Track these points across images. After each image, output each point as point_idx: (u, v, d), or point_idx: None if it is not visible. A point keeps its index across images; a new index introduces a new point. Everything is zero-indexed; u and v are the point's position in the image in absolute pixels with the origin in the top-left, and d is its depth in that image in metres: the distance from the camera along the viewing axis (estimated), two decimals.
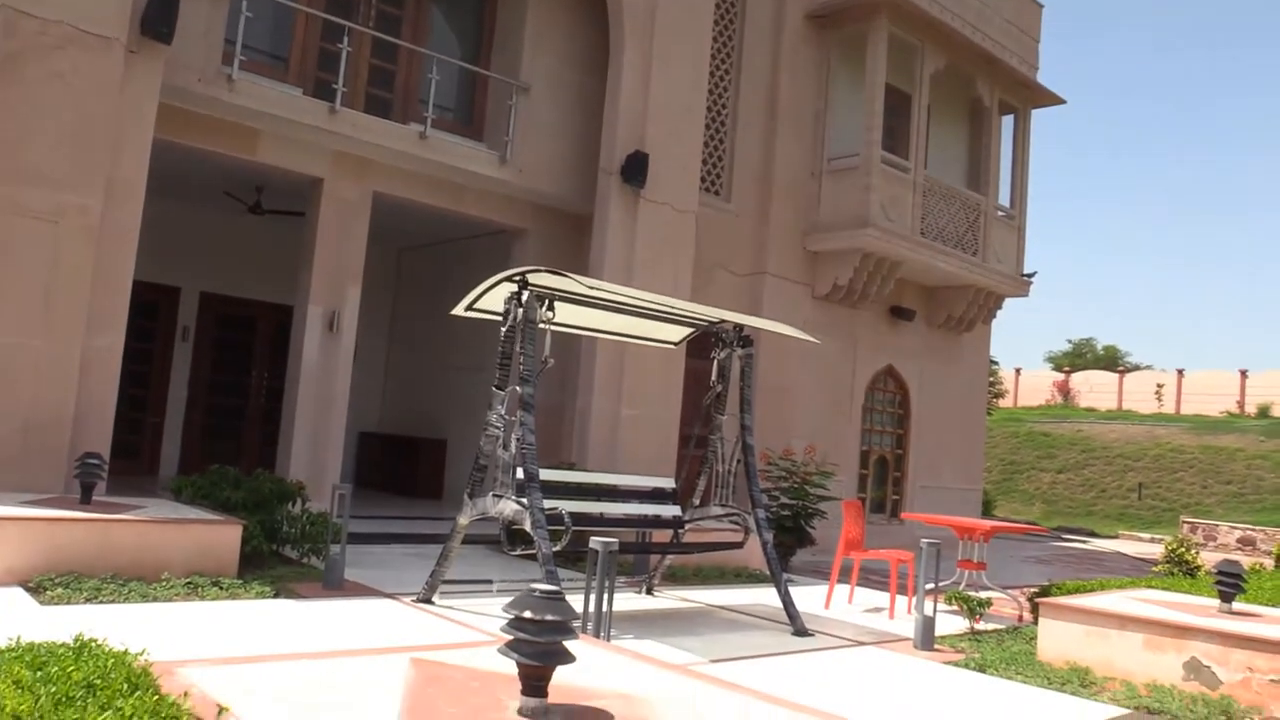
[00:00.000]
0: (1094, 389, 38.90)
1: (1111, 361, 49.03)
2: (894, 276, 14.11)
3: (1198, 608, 6.42)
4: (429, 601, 6.60)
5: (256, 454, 13.37)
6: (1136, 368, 45.28)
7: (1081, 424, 32.22)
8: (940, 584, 7.08)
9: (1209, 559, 10.13)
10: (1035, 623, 6.77)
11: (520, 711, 2.87)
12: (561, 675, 2.97)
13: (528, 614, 2.82)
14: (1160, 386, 37.06)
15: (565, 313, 6.88)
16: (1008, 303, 16.45)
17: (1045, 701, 5.32)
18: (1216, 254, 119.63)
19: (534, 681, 2.87)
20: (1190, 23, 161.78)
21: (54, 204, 7.57)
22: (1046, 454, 30.45)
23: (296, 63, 10.55)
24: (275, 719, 2.77)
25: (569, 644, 2.89)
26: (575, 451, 11.11)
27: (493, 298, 6.86)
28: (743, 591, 8.50)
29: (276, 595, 6.27)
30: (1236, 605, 6.45)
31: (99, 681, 2.90)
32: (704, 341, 8.49)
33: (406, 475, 13.95)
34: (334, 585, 6.77)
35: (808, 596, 8.18)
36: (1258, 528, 21.26)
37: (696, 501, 7.82)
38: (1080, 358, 50.97)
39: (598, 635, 5.32)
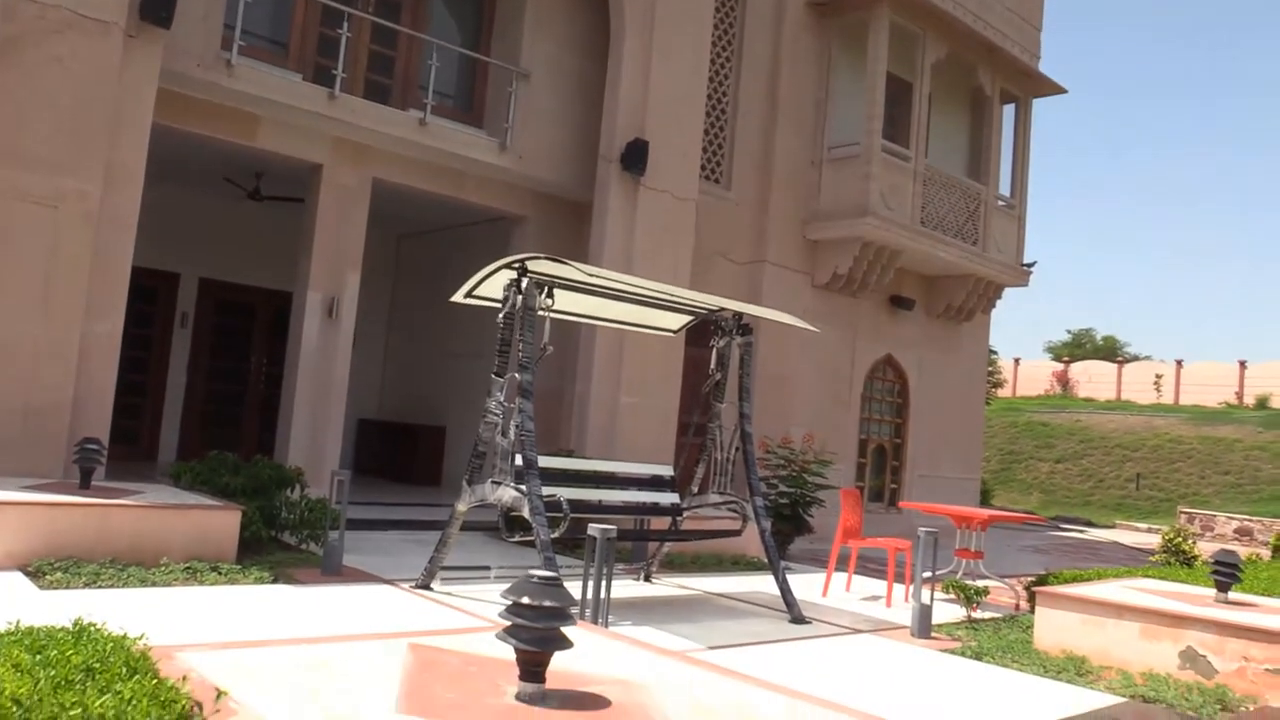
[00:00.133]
0: (1093, 379, 38.95)
1: (1111, 352, 49.09)
2: (894, 265, 14.09)
3: (1194, 597, 6.44)
4: (427, 587, 6.62)
5: (255, 440, 13.39)
6: (1135, 358, 45.33)
7: (1080, 414, 32.23)
8: (937, 572, 7.09)
9: (1206, 549, 10.17)
10: (1032, 611, 6.78)
11: (518, 696, 2.88)
12: (559, 661, 2.98)
13: (526, 600, 2.83)
14: (1159, 377, 37.11)
15: (564, 300, 6.88)
16: (1007, 292, 16.47)
17: (1041, 689, 5.33)
18: (1216, 247, 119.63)
19: (532, 667, 2.88)
20: (1190, 23, 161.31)
21: (53, 189, 7.56)
22: (1045, 444, 30.48)
23: (296, 48, 10.52)
24: (273, 703, 2.78)
25: (567, 630, 2.90)
26: (574, 438, 11.13)
27: (492, 285, 6.85)
28: (740, 579, 8.52)
29: (275, 581, 6.29)
30: (1233, 595, 6.48)
31: (98, 665, 2.91)
32: (703, 329, 8.48)
33: (405, 462, 13.95)
34: (332, 571, 6.78)
35: (805, 584, 8.20)
36: (1255, 518, 21.30)
37: (695, 489, 7.83)
38: (1079, 348, 51.04)
39: (595, 621, 5.33)
